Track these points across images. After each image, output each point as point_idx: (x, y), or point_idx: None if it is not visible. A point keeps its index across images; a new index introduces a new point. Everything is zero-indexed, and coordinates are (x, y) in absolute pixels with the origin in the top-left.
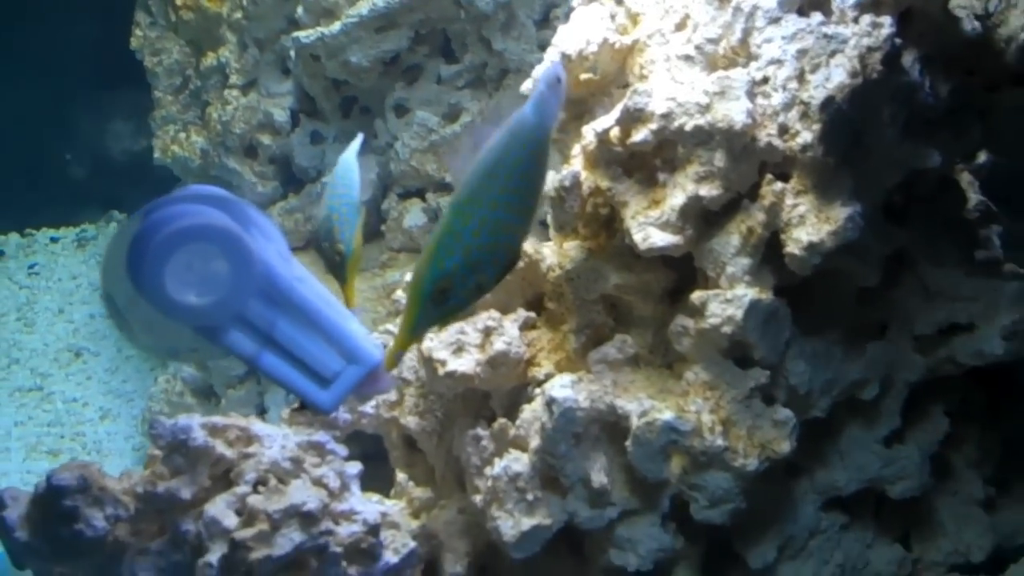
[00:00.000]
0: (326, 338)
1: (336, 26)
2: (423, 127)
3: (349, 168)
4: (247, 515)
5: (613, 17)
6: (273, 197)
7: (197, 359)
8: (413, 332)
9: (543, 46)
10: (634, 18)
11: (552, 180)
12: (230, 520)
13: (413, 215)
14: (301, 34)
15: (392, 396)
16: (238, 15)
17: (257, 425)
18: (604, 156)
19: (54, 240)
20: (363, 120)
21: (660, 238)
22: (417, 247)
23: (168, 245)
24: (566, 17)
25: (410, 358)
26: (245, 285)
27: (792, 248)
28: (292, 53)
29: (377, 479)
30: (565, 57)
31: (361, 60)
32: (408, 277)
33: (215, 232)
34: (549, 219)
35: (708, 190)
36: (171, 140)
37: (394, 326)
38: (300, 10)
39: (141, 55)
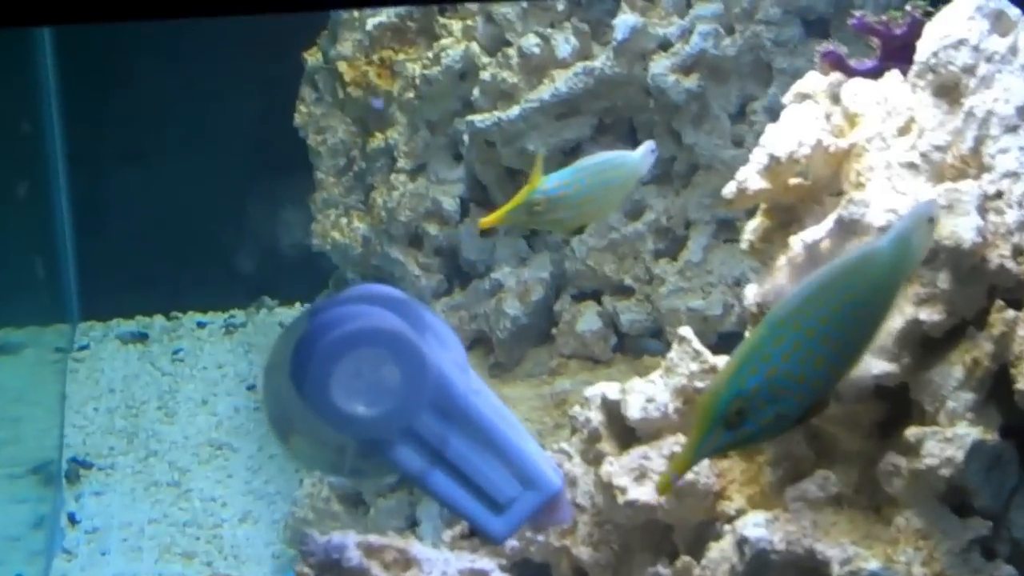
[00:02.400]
0: (502, 459)
1: (514, 110)
2: (603, 225)
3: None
4: None
5: (828, 117)
6: (437, 291)
7: (358, 479)
8: (697, 454)
9: (737, 141)
10: (852, 119)
11: (752, 293)
12: None
13: (587, 319)
14: (476, 118)
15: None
16: (410, 94)
17: (416, 547)
18: (814, 270)
19: (201, 325)
20: None
21: (873, 365)
22: (590, 354)
23: (336, 349)
24: (765, 111)
25: (586, 483)
26: (418, 396)
27: (1023, 385)
28: (465, 138)
29: None
30: (774, 159)
31: (539, 148)
32: (586, 390)
33: (387, 336)
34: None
35: (930, 314)
36: (331, 225)
37: (567, 443)
38: (476, 92)
39: (305, 132)
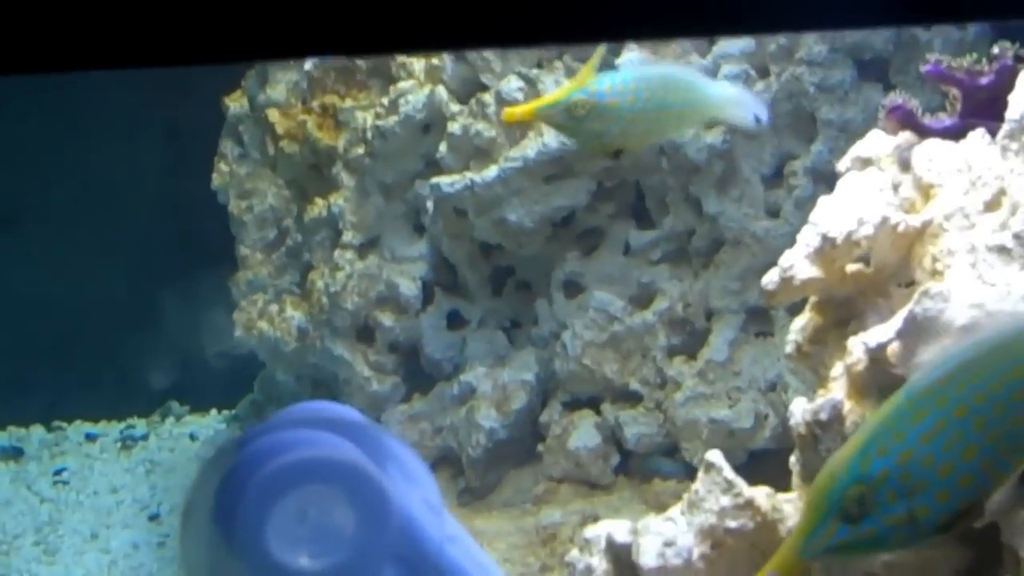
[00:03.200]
0: None
1: (491, 171)
2: (602, 313)
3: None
4: None
5: (896, 188)
6: (392, 398)
7: None
8: (805, 548)
9: (772, 211)
10: (926, 191)
11: (801, 411)
12: None
13: (582, 433)
14: (443, 180)
15: None
16: (359, 150)
17: None
18: (878, 382)
19: (90, 438)
20: (519, 300)
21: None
22: (586, 477)
23: (274, 486)
24: (807, 173)
25: None
26: (378, 546)
27: None
28: (429, 205)
29: None
30: (828, 241)
31: (523, 219)
32: (586, 530)
33: (339, 470)
34: (794, 464)
35: None
36: (258, 314)
37: None
38: (443, 148)
39: (225, 197)
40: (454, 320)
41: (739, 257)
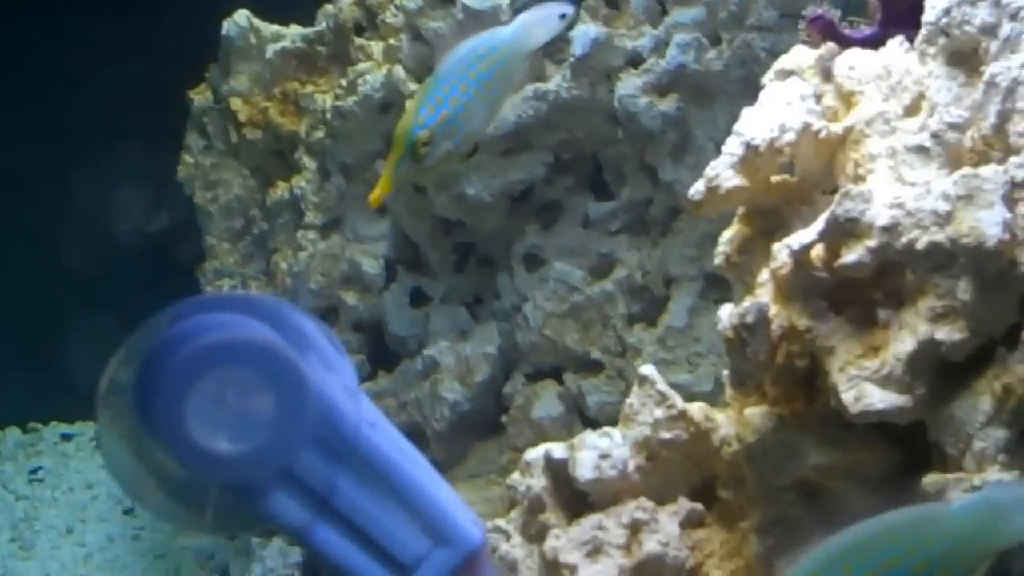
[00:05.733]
0: (407, 509)
1: None
2: (562, 284)
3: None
4: None
5: (819, 97)
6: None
7: (223, 534)
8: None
9: None
10: (847, 99)
11: (727, 315)
12: None
13: (545, 402)
14: None
15: None
16: (319, 133)
17: None
18: (803, 285)
19: (66, 438)
20: (481, 275)
21: (880, 399)
22: None
23: (192, 367)
24: None
25: (528, 567)
26: (297, 429)
27: None
28: None
29: None
30: (751, 148)
31: (481, 193)
32: (527, 452)
33: (258, 352)
34: (725, 373)
35: (948, 333)
36: None
37: (505, 520)
38: None
39: (190, 189)
40: (417, 297)
41: (696, 224)
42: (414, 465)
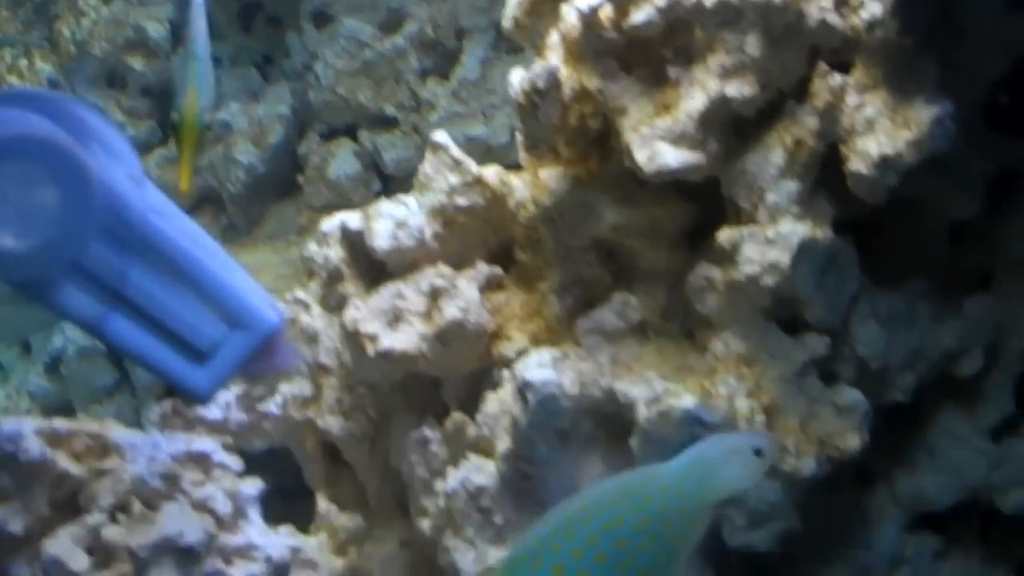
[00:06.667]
0: (201, 295)
1: None
2: (353, 41)
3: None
4: (103, 553)
5: None
6: (148, 142)
7: (17, 334)
8: None
9: None
10: None
11: (519, 80)
12: (79, 561)
13: (341, 161)
14: None
15: (306, 390)
16: None
17: (115, 431)
18: (592, 46)
19: None
20: (270, 35)
21: (673, 157)
22: (348, 204)
23: None
24: None
25: (329, 336)
26: (82, 221)
27: (857, 165)
28: None
29: (296, 516)
30: None
31: None
32: (322, 222)
33: (37, 146)
34: (518, 136)
35: (738, 88)
36: (7, 69)
37: (303, 292)
38: None
39: None
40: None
41: None
42: (205, 252)
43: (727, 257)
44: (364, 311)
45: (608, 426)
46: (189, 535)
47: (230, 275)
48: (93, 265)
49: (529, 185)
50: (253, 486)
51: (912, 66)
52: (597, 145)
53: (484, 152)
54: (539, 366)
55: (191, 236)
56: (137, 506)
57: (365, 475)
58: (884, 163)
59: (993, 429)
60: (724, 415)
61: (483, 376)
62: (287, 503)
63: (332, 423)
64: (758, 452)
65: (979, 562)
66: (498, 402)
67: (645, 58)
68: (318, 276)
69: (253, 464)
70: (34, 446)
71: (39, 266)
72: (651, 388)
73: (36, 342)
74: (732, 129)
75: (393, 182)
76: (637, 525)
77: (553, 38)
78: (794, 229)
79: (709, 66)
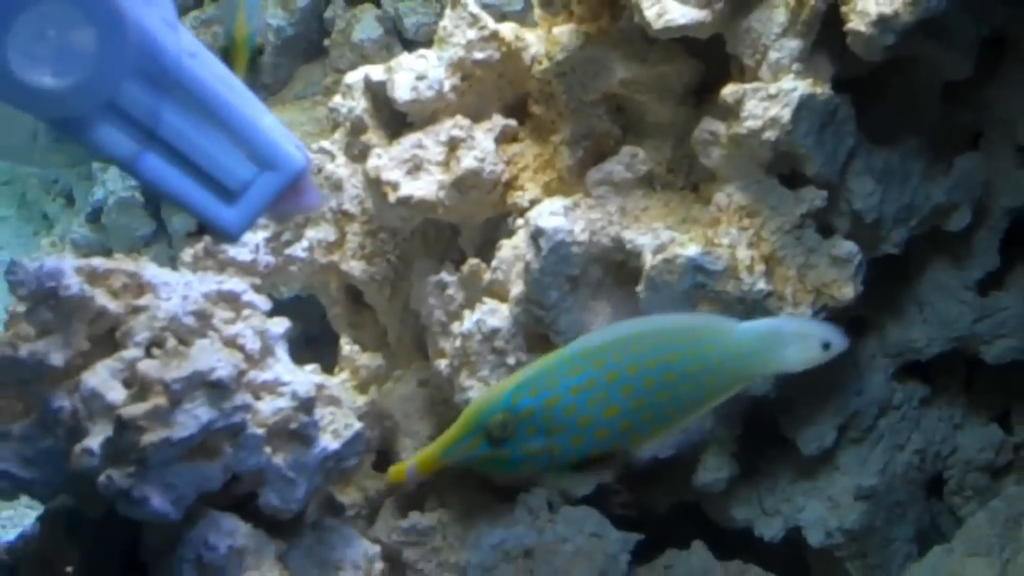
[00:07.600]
0: (231, 135)
1: None
2: None
3: None
4: (138, 386)
5: None
6: (184, 5)
7: (53, 166)
8: (446, 454)
9: None
10: None
11: None
12: (116, 393)
13: (365, 25)
14: None
15: (330, 235)
16: None
17: (150, 269)
18: None
19: None
20: None
21: (680, 14)
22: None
23: (10, 4)
24: None
25: (353, 184)
26: (117, 61)
27: (857, 24)
28: None
29: (322, 360)
30: None
31: None
32: (347, 75)
33: None
34: None
35: None
36: None
37: (328, 141)
38: None
39: None
40: None
41: None
42: (236, 94)
43: (731, 112)
44: (386, 159)
45: (616, 273)
46: (220, 370)
47: (260, 118)
48: (128, 105)
49: (543, 40)
50: (280, 325)
51: None
52: (608, 3)
53: (498, 19)
54: (551, 214)
55: (223, 79)
56: (171, 342)
57: (386, 317)
58: (882, 22)
59: (979, 282)
60: (726, 264)
61: (498, 224)
62: (313, 348)
63: (355, 267)
64: (826, 346)
65: (963, 409)
66: (512, 249)
67: None
68: (342, 127)
69: (281, 311)
70: (74, 282)
71: (75, 104)
72: (657, 237)
73: (79, 194)
74: None
75: (413, 47)
76: (689, 368)
77: None
78: (795, 85)
79: None
